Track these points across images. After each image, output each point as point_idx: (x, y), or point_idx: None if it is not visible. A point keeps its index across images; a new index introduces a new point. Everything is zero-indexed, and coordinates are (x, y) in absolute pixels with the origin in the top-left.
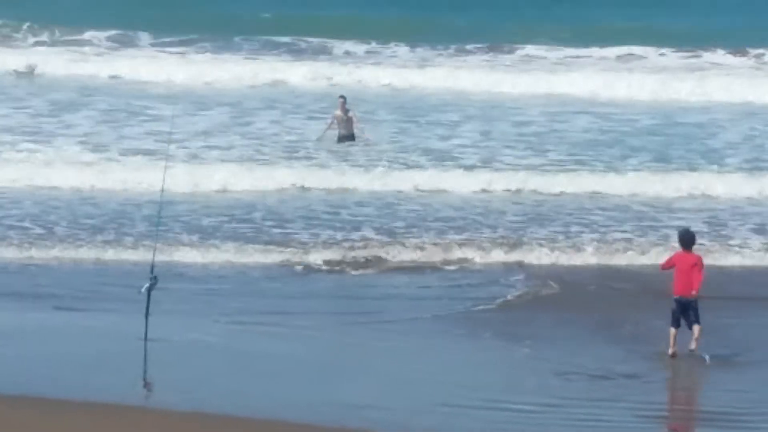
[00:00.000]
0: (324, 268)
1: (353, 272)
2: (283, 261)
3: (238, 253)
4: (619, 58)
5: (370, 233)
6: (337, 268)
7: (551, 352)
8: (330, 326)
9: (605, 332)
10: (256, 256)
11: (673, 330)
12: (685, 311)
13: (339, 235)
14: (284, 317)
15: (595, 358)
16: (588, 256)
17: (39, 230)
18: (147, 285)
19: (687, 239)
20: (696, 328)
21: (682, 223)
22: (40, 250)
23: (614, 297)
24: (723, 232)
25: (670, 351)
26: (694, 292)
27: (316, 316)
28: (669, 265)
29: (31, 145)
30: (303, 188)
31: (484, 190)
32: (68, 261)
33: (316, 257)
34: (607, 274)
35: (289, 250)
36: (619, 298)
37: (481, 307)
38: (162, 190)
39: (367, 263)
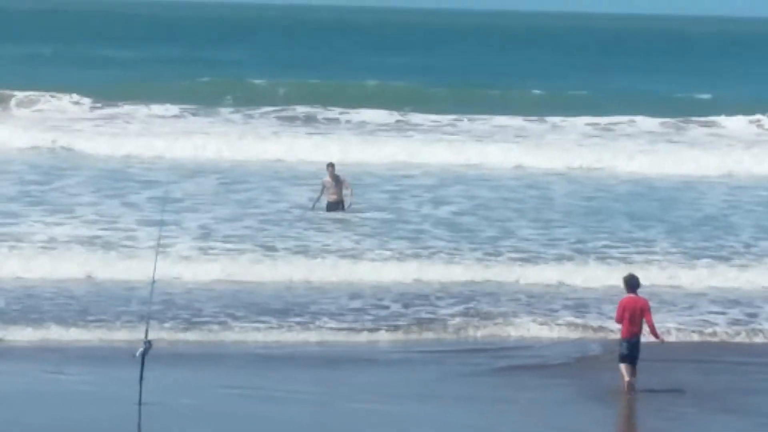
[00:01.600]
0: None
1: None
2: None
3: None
4: None
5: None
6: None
7: None
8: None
9: None
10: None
11: (623, 365)
12: (632, 351)
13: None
14: (278, 381)
15: None
16: None
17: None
18: (141, 349)
19: (633, 283)
20: (634, 368)
21: None
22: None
23: None
24: None
25: (626, 380)
26: (654, 335)
27: (308, 382)
28: (621, 313)
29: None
30: None
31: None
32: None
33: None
34: None
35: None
36: None
37: None
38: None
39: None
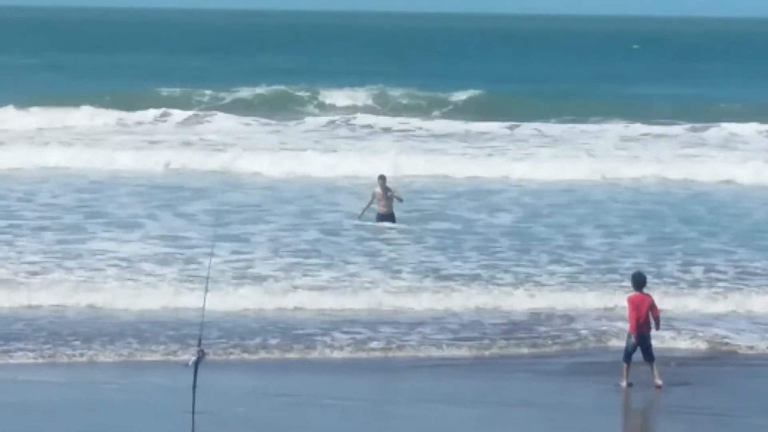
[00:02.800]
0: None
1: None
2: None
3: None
4: None
5: None
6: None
7: None
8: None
9: None
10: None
11: (625, 365)
12: (644, 347)
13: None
14: (333, 389)
15: None
16: None
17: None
18: (194, 358)
19: (640, 281)
20: (654, 364)
21: None
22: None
23: None
24: None
25: (623, 383)
26: (655, 325)
27: (363, 389)
28: (633, 311)
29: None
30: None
31: None
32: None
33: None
34: None
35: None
36: None
37: None
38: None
39: None
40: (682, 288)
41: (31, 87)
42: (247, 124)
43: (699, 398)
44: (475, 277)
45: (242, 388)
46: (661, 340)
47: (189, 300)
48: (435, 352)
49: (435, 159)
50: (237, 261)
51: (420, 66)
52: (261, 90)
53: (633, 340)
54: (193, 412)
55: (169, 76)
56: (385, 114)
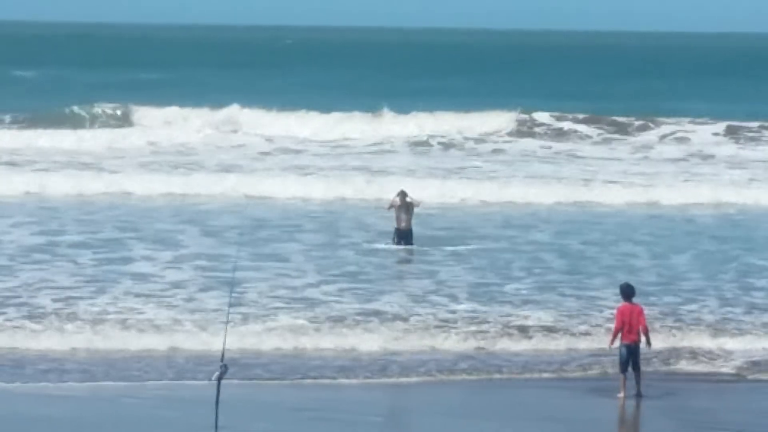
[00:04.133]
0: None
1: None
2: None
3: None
4: None
5: None
6: None
7: None
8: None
9: None
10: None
11: (623, 376)
12: (633, 356)
13: None
14: (352, 404)
15: None
16: None
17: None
18: (217, 373)
19: (629, 292)
20: (639, 374)
21: None
22: None
23: None
24: None
25: (620, 395)
26: (645, 340)
27: (380, 405)
28: (620, 319)
29: None
30: None
31: None
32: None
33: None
34: None
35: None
36: None
37: None
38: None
39: None
40: None
41: None
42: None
43: None
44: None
45: (263, 403)
46: None
47: None
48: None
49: None
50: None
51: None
52: None
53: (624, 350)
54: (216, 427)
55: None
56: None
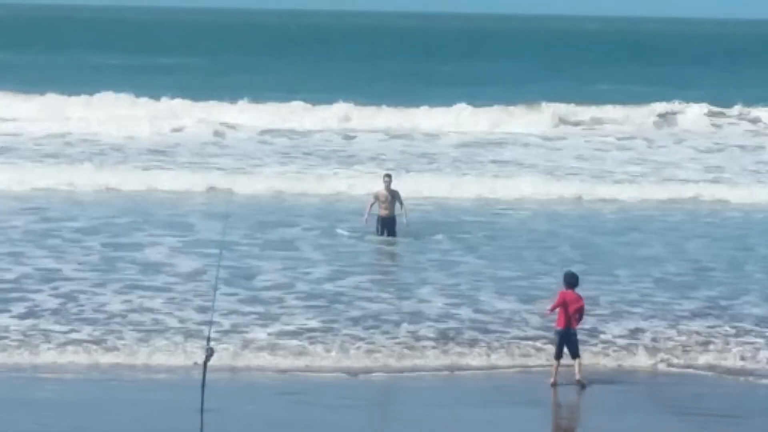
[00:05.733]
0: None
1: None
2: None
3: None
4: None
5: None
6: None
7: None
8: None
9: None
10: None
11: (556, 362)
12: (569, 342)
13: None
14: (338, 388)
15: None
16: None
17: None
18: (204, 356)
19: (574, 281)
20: (577, 360)
21: None
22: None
23: None
24: None
25: (551, 380)
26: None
27: (367, 390)
28: (560, 303)
29: None
30: None
31: None
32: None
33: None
34: None
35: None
36: None
37: None
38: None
39: None
40: None
41: None
42: None
43: None
44: None
45: (251, 386)
46: None
47: None
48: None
49: None
50: None
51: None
52: None
53: (559, 335)
54: (201, 410)
55: None
56: None
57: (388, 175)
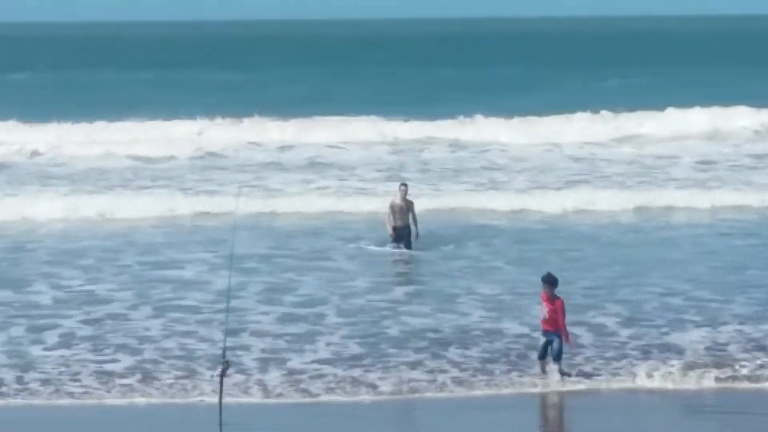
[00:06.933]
0: None
1: None
2: None
3: None
4: None
5: None
6: None
7: None
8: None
9: None
10: None
11: (540, 362)
12: (551, 343)
13: None
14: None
15: None
16: None
17: None
18: (219, 370)
19: (553, 281)
20: (556, 365)
21: None
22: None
23: None
24: None
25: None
26: (565, 338)
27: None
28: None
29: None
30: None
31: None
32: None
33: None
34: None
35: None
36: None
37: None
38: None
39: None
40: None
41: None
42: None
43: None
44: None
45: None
46: None
47: None
48: None
49: None
50: None
51: None
52: None
53: (544, 339)
54: (220, 424)
55: None
56: None
57: (404, 185)
